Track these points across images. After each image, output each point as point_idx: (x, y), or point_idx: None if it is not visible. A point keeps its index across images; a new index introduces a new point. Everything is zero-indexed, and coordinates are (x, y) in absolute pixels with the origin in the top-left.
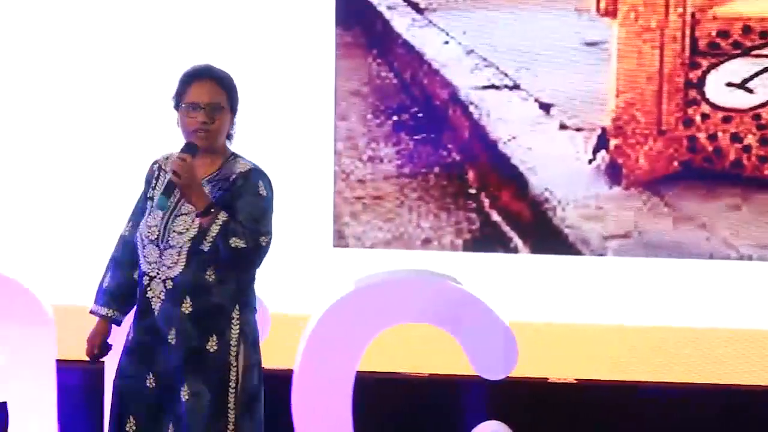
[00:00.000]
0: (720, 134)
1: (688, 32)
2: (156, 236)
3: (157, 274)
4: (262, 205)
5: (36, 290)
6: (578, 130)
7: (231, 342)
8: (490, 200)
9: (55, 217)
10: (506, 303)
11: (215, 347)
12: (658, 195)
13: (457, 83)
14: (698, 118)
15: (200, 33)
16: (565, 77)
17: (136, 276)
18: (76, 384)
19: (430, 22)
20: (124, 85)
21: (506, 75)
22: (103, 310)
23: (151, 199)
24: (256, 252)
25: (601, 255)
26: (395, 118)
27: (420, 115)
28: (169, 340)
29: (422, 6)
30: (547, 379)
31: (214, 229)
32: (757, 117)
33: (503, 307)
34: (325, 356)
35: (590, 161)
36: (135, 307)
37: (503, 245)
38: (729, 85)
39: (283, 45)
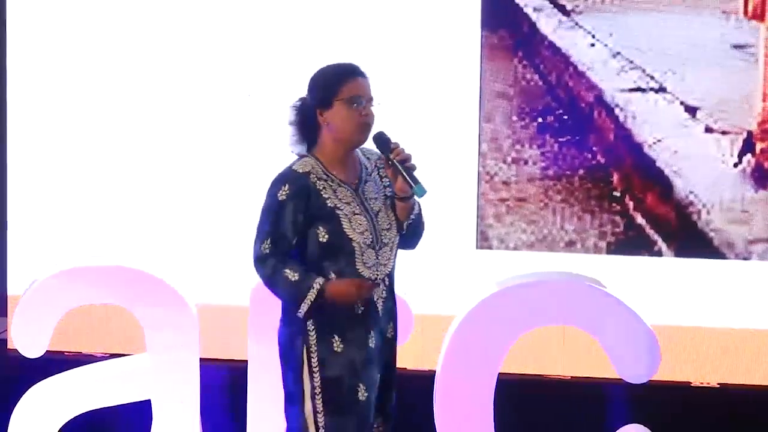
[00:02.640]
0: None
1: None
2: (371, 239)
3: (377, 275)
4: None
5: (181, 289)
6: (724, 133)
7: None
8: (635, 203)
9: (199, 217)
10: (650, 306)
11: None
12: None
13: (602, 86)
14: None
15: (345, 34)
16: (711, 80)
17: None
18: (220, 383)
19: (577, 24)
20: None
21: (652, 78)
22: (320, 279)
23: (324, 207)
24: None
25: (746, 259)
26: (540, 120)
27: (565, 117)
28: (388, 335)
29: (569, 8)
30: (690, 383)
31: (409, 216)
32: None
33: (646, 310)
34: (467, 357)
35: (736, 165)
36: (357, 318)
37: (647, 248)
38: None
39: (429, 47)
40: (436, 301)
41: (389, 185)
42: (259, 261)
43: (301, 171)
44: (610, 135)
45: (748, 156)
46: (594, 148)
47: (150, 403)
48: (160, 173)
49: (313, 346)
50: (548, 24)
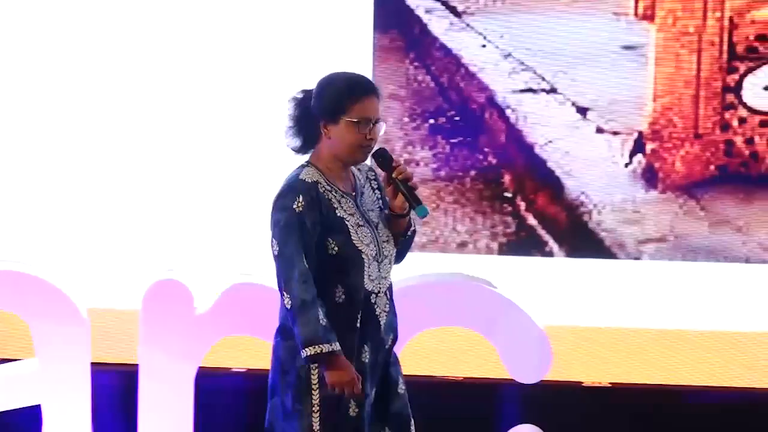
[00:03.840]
0: (757, 138)
1: (725, 36)
2: (375, 251)
3: (380, 288)
4: None
5: (71, 293)
6: (615, 134)
7: None
8: (526, 204)
9: (89, 220)
10: (541, 307)
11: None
12: (695, 199)
13: (494, 87)
14: (735, 123)
15: (238, 34)
16: (602, 81)
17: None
18: (110, 386)
19: (468, 25)
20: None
21: (543, 79)
22: (338, 346)
23: (334, 219)
24: None
25: (637, 259)
26: (432, 121)
27: (457, 118)
28: (386, 347)
29: (460, 9)
30: (582, 382)
31: (405, 233)
32: None
33: (538, 310)
34: None
35: (627, 165)
36: (355, 331)
37: (539, 249)
38: (766, 89)
39: (321, 49)
40: None
41: (380, 198)
42: (302, 280)
43: (310, 181)
44: (502, 136)
45: (639, 156)
46: (485, 150)
47: (40, 408)
48: (56, 174)
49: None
50: (439, 25)
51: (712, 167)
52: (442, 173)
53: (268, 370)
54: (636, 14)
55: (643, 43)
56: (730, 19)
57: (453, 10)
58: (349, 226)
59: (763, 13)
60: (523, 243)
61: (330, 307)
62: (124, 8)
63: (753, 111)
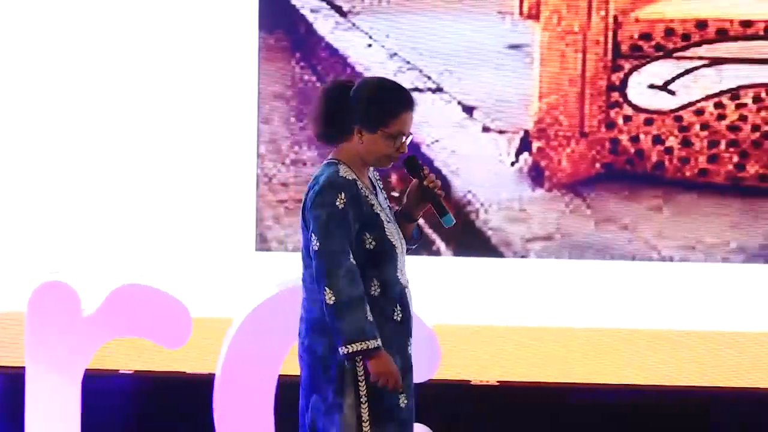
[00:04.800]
0: (642, 136)
1: (610, 35)
2: (401, 246)
3: (407, 282)
4: None
5: None
6: (501, 132)
7: None
8: None
9: None
10: (430, 306)
11: None
12: (581, 197)
13: None
14: (620, 121)
15: (123, 33)
16: (488, 80)
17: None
18: None
19: (354, 25)
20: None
21: (429, 78)
22: (380, 342)
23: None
24: None
25: (524, 257)
26: None
27: None
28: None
29: (345, 9)
30: (470, 381)
31: (411, 238)
32: (679, 119)
33: (427, 309)
34: (247, 360)
35: (513, 164)
36: (395, 323)
37: (426, 248)
38: (651, 87)
39: (206, 48)
40: (215, 304)
41: (386, 198)
42: (349, 276)
43: (349, 178)
44: None
45: (525, 155)
46: None
47: None
48: None
49: None
50: (325, 25)
51: (597, 165)
52: None
53: (153, 371)
54: (521, 13)
55: (528, 42)
56: (615, 18)
57: (339, 10)
58: (383, 221)
59: (647, 11)
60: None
61: (368, 301)
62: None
63: (638, 109)
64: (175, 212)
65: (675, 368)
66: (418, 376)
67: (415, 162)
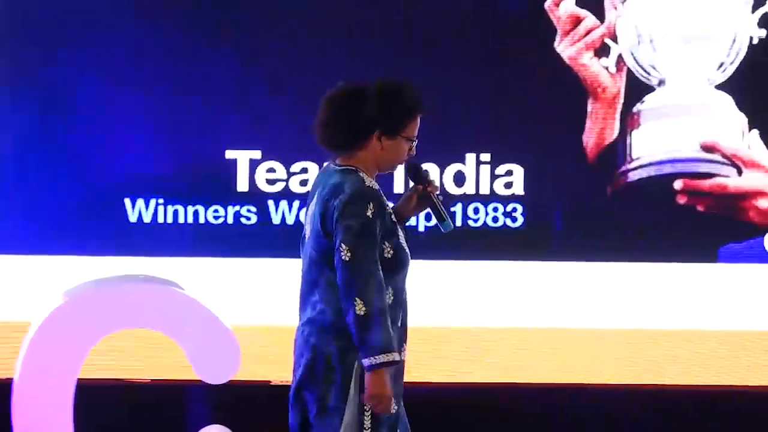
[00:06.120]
0: None
1: None
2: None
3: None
4: None
5: None
6: None
7: None
8: None
9: None
10: (228, 306)
11: None
12: None
13: None
14: None
15: None
16: None
17: None
18: None
19: None
20: None
21: None
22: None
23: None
24: None
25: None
26: None
27: None
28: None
29: None
30: (270, 381)
31: None
32: None
33: (225, 310)
34: (45, 364)
35: None
36: (396, 330)
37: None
38: None
39: None
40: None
41: None
42: (379, 288)
43: (375, 188)
44: None
45: None
46: None
47: None
48: None
49: None
50: None
51: None
52: None
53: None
54: None
55: None
56: None
57: None
58: (398, 230)
59: None
60: None
61: None
62: None
63: None
64: None
65: (677, 368)
66: (218, 378)
67: (418, 167)
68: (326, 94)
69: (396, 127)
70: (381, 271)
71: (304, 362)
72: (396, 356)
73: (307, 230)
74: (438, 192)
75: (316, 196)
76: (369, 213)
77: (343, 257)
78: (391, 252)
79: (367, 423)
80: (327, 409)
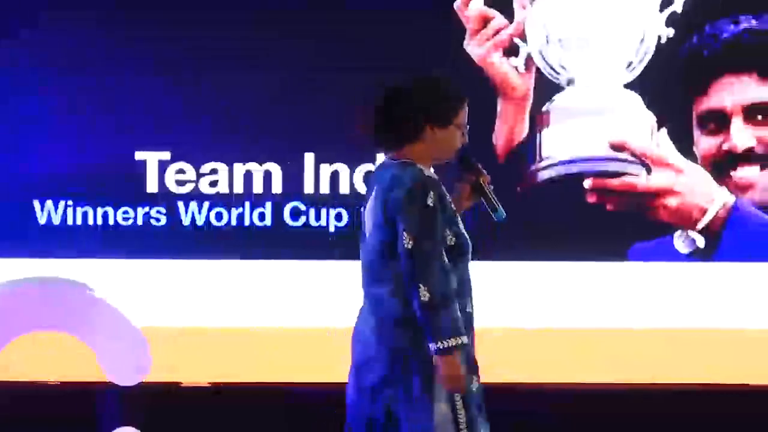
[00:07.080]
0: None
1: None
2: None
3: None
4: None
5: None
6: None
7: None
8: None
9: None
10: (135, 307)
11: None
12: None
13: None
14: None
15: None
16: None
17: None
18: None
19: None
20: None
21: None
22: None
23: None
24: None
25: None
26: None
27: None
28: None
29: None
30: (180, 383)
31: None
32: None
33: (133, 311)
34: None
35: None
36: (468, 318)
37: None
38: None
39: None
40: None
41: None
42: (444, 274)
43: (434, 177)
44: None
45: None
46: None
47: None
48: None
49: None
50: None
51: None
52: None
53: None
54: None
55: None
56: None
57: None
58: (458, 218)
59: None
60: None
61: None
62: None
63: None
64: None
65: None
66: (128, 379)
67: (470, 157)
68: (374, 102)
69: (447, 115)
70: (445, 258)
71: (380, 358)
72: (465, 339)
73: (368, 226)
74: (489, 181)
75: (375, 190)
76: (430, 201)
77: (405, 245)
78: (453, 240)
79: (459, 404)
80: (415, 400)
